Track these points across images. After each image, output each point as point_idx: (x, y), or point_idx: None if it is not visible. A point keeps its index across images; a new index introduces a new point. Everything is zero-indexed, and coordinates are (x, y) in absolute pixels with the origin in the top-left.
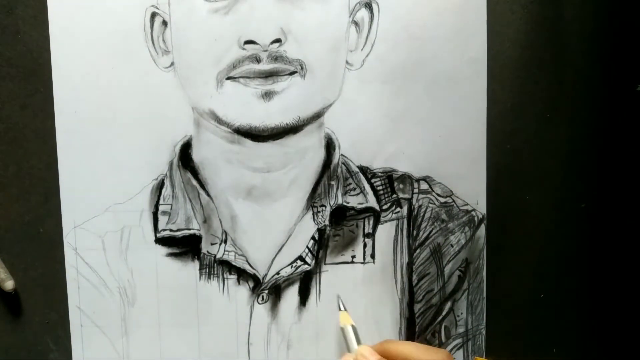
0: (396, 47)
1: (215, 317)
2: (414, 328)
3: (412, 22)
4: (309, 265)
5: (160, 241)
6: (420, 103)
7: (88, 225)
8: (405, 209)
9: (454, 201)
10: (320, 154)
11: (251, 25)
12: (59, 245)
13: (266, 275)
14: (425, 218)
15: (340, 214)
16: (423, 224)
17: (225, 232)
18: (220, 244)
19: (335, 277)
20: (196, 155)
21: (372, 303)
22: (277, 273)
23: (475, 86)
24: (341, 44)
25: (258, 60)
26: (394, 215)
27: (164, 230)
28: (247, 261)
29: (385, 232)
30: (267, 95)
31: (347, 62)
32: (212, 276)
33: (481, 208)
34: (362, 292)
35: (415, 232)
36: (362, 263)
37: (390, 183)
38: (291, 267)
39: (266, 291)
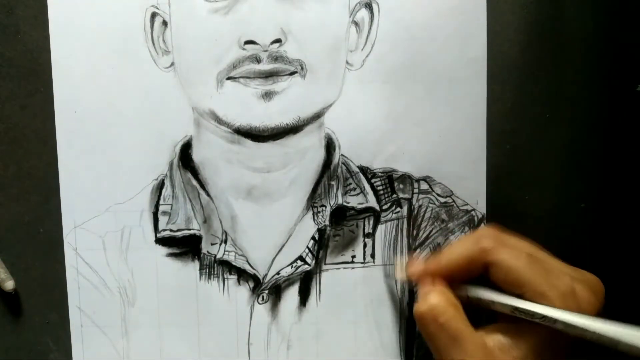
0: (396, 47)
1: (215, 317)
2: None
3: (412, 22)
4: (309, 265)
5: (161, 241)
6: (420, 103)
7: (88, 225)
8: (405, 209)
9: (454, 201)
10: (320, 154)
11: (251, 26)
12: (59, 245)
13: (266, 275)
14: (425, 218)
15: (340, 214)
16: (423, 224)
17: (225, 232)
18: (220, 244)
19: (335, 277)
20: (196, 155)
21: (372, 303)
22: (277, 273)
23: (475, 86)
24: (341, 44)
25: (258, 60)
26: (394, 215)
27: (164, 230)
28: (247, 261)
29: (386, 232)
30: (267, 95)
31: (347, 62)
32: (212, 276)
33: (481, 208)
34: (362, 292)
35: (415, 232)
36: (362, 263)
37: (390, 183)
38: (291, 267)
39: (266, 291)
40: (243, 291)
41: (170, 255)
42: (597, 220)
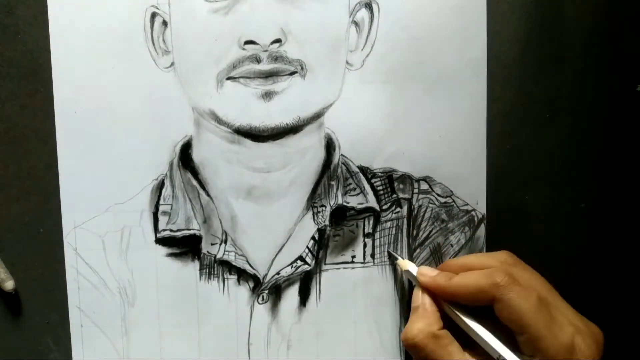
0: (396, 47)
1: (215, 317)
2: None
3: (412, 22)
4: (309, 265)
5: (161, 241)
6: (420, 103)
7: (88, 225)
8: (405, 209)
9: (454, 201)
10: (320, 154)
11: (251, 26)
12: (59, 245)
13: (266, 275)
14: (425, 218)
15: (340, 214)
16: (423, 224)
17: (225, 232)
18: (220, 244)
19: (335, 277)
20: (196, 155)
21: (372, 303)
22: (277, 273)
23: (475, 86)
24: (341, 44)
25: (258, 60)
26: (394, 215)
27: (164, 230)
28: (247, 261)
29: (385, 232)
30: (267, 95)
31: (347, 62)
32: (212, 276)
33: (481, 208)
34: (362, 292)
35: (415, 232)
36: (362, 263)
37: (390, 183)
38: (291, 267)
39: (266, 291)
40: (243, 291)
41: (170, 255)
42: (597, 220)
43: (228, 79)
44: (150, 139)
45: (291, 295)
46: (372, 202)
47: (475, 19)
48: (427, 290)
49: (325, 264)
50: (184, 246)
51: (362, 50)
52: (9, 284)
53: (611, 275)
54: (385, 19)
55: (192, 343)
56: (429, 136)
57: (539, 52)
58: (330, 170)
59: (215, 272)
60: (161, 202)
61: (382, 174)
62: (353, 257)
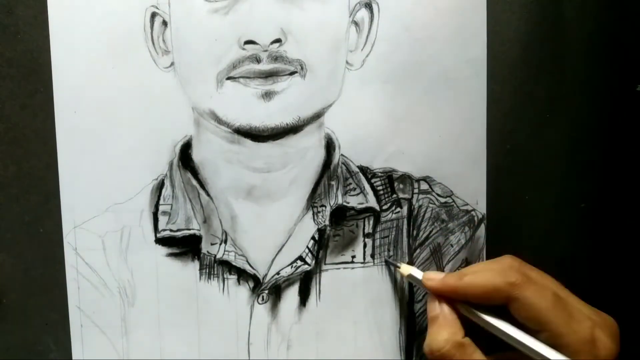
0: (396, 47)
1: (215, 317)
2: (414, 328)
3: (412, 22)
4: (309, 265)
5: (160, 241)
6: (420, 103)
7: (88, 225)
8: (405, 209)
9: (454, 201)
10: (320, 154)
11: (251, 25)
12: (59, 245)
13: (266, 275)
14: (425, 218)
15: (340, 214)
16: (423, 224)
17: (225, 232)
18: (220, 244)
19: (335, 277)
20: (196, 155)
21: (372, 303)
22: (277, 273)
23: (475, 86)
24: (341, 44)
25: (258, 60)
26: (394, 215)
27: (164, 230)
28: (247, 261)
29: (386, 232)
30: (267, 95)
31: (347, 62)
32: (212, 276)
33: (481, 208)
34: (362, 292)
35: (415, 232)
36: (362, 263)
37: (390, 183)
38: (291, 267)
39: (266, 291)
40: (243, 291)
41: (170, 255)
42: (597, 220)
43: (228, 78)
44: (150, 139)
45: (291, 295)
46: (372, 202)
47: (475, 19)
48: (444, 297)
49: (325, 264)
50: (184, 246)
51: (362, 50)
52: None
53: (611, 275)
54: (385, 19)
55: (192, 343)
56: (429, 136)
57: (539, 52)
58: (330, 170)
59: (215, 272)
60: (161, 202)
61: (382, 174)
62: (353, 257)
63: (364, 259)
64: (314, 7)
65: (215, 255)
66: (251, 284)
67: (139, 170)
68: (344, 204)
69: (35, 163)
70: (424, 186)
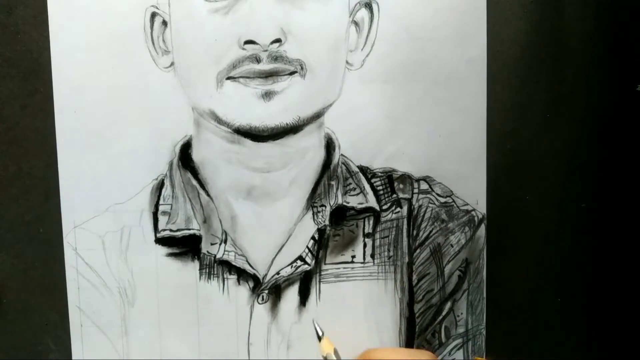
0: (396, 47)
1: (215, 317)
2: (414, 328)
3: (412, 22)
4: (309, 265)
5: (160, 241)
6: (420, 103)
7: (88, 225)
8: (405, 209)
9: (454, 201)
10: (320, 154)
11: (251, 25)
12: (59, 245)
13: (266, 275)
14: (425, 218)
15: (340, 214)
16: (423, 224)
17: (225, 232)
18: (220, 244)
19: (335, 277)
20: (196, 155)
21: (372, 303)
22: (277, 273)
23: (475, 86)
24: (341, 44)
25: (258, 60)
26: (394, 215)
27: (164, 230)
28: (247, 261)
29: (385, 232)
30: (267, 95)
31: (347, 62)
32: (212, 276)
33: (481, 208)
34: (362, 292)
35: (415, 232)
36: (362, 263)
37: (390, 183)
38: (291, 267)
39: (266, 291)
40: (243, 291)
41: (170, 255)
42: (597, 220)
43: (228, 78)
44: (150, 139)
45: (291, 295)
46: (372, 202)
47: (475, 19)
48: None
49: (325, 264)
50: (184, 246)
51: (362, 50)
52: None
53: (611, 275)
54: (385, 19)
55: (192, 343)
56: (429, 136)
57: (539, 52)
58: (330, 170)
59: (215, 272)
60: (161, 202)
61: (382, 174)
62: (353, 257)
63: (364, 259)
64: (314, 7)
65: (215, 255)
66: (251, 284)
67: (139, 170)
68: (344, 204)
69: (35, 163)
70: (424, 186)
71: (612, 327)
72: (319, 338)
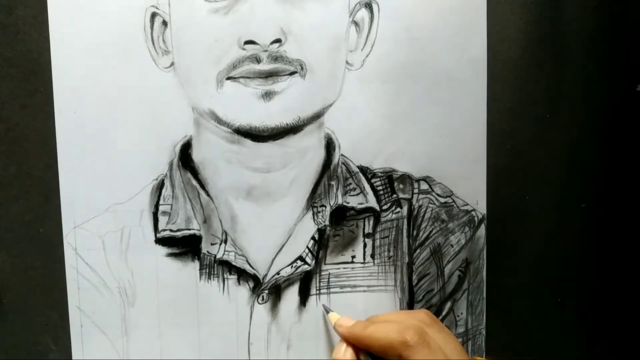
0: (396, 47)
1: (215, 317)
2: None
3: (412, 22)
4: (309, 265)
5: (160, 241)
6: (420, 103)
7: (88, 225)
8: (405, 209)
9: (454, 201)
10: (320, 154)
11: (251, 26)
12: (59, 245)
13: (266, 275)
14: (425, 218)
15: (340, 214)
16: (423, 224)
17: (225, 232)
18: (220, 244)
19: (335, 277)
20: (196, 155)
21: (372, 303)
22: (277, 273)
23: (475, 86)
24: (341, 44)
25: (258, 60)
26: (394, 216)
27: (164, 230)
28: (247, 261)
29: (385, 232)
30: (267, 95)
31: (347, 62)
32: (212, 276)
33: (481, 208)
34: (362, 292)
35: (415, 232)
36: (362, 263)
37: (390, 183)
38: (291, 267)
39: (266, 291)
40: (243, 291)
41: (170, 255)
42: (597, 220)
43: (228, 79)
44: (150, 139)
45: (291, 295)
46: (372, 202)
47: (475, 19)
48: (351, 344)
49: (325, 264)
50: (184, 246)
51: (362, 50)
52: None
53: (611, 275)
54: (385, 19)
55: (192, 343)
56: (429, 136)
57: (539, 52)
58: (330, 170)
59: (215, 272)
60: (161, 202)
61: (382, 174)
62: (353, 257)
63: (364, 259)
64: (314, 7)
65: (215, 255)
66: (251, 284)
67: (139, 170)
68: (344, 204)
69: (35, 163)
70: (424, 186)
71: (612, 327)
72: (327, 311)
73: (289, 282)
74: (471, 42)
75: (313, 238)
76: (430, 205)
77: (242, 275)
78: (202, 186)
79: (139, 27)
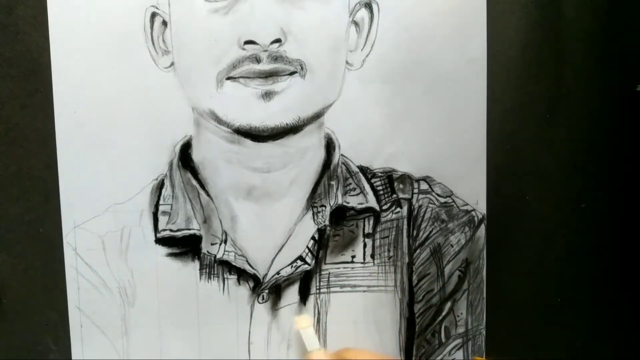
0: (396, 47)
1: (215, 317)
2: (414, 328)
3: (412, 22)
4: (309, 265)
5: (161, 241)
6: (420, 103)
7: (88, 225)
8: (405, 209)
9: (454, 201)
10: (320, 154)
11: (251, 26)
12: (59, 245)
13: (266, 275)
14: (425, 218)
15: (340, 214)
16: (423, 224)
17: (225, 232)
18: (220, 244)
19: (335, 277)
20: (196, 155)
21: (372, 303)
22: (277, 273)
23: (475, 86)
24: (341, 44)
25: (258, 60)
26: (394, 216)
27: (164, 230)
28: (247, 261)
29: (385, 232)
30: (267, 95)
31: (347, 62)
32: (212, 276)
33: (481, 208)
34: (362, 292)
35: (415, 232)
36: (362, 263)
37: (390, 183)
38: (291, 267)
39: (266, 291)
40: (243, 291)
41: (170, 255)
42: (597, 220)
43: (228, 79)
44: (150, 139)
45: (291, 294)
46: (372, 202)
47: (475, 19)
48: None
49: (325, 264)
50: (184, 246)
51: (362, 50)
52: None
53: (611, 275)
54: (385, 19)
55: (192, 343)
56: (429, 136)
57: (539, 52)
58: (330, 170)
59: (215, 272)
60: (161, 202)
61: (382, 174)
62: (353, 257)
63: (364, 259)
64: (314, 7)
65: (215, 255)
66: (251, 284)
67: (139, 170)
68: (344, 204)
69: (35, 163)
70: (424, 186)
71: (612, 327)
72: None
73: (289, 281)
74: (471, 42)
75: (313, 238)
76: (430, 205)
77: (242, 275)
78: (202, 186)
79: (139, 27)
